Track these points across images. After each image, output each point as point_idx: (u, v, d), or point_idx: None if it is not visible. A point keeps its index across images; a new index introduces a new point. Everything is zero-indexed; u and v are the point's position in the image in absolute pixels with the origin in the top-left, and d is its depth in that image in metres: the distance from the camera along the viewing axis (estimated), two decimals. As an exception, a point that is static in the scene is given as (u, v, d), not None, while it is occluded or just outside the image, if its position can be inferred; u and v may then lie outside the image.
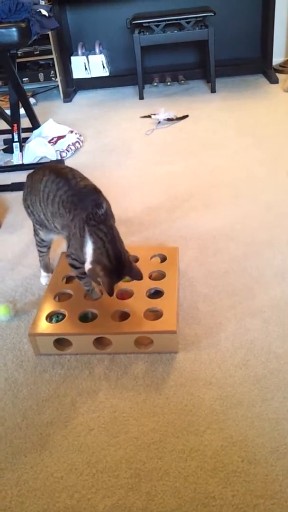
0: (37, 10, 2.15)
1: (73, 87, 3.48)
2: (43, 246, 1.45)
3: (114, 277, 1.17)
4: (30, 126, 2.61)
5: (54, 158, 2.41)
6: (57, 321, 1.28)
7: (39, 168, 1.32)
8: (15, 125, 2.36)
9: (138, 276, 1.20)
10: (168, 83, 3.41)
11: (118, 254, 1.15)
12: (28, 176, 1.35)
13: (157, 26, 3.07)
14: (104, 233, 1.14)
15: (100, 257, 1.14)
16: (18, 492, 0.96)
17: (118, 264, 1.15)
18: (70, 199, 1.19)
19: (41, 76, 3.49)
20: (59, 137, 2.55)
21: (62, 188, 1.21)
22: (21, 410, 1.13)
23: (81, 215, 1.16)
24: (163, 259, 1.48)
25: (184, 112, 2.88)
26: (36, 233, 1.41)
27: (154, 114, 2.83)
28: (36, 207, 1.30)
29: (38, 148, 2.42)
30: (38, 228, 1.38)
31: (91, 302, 1.32)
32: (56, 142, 2.52)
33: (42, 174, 1.26)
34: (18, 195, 2.16)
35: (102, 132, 2.75)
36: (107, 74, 3.43)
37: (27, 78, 3.47)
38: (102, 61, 3.37)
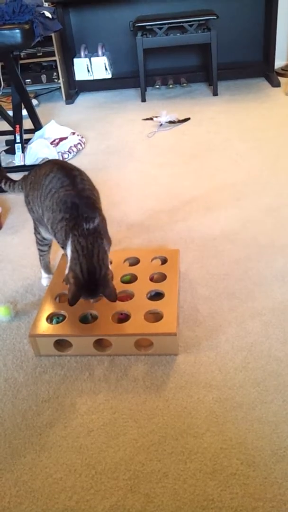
0: (41, 12, 2.16)
1: (75, 89, 3.49)
2: (43, 245, 1.45)
3: (83, 291, 1.15)
4: (32, 127, 2.62)
5: (56, 160, 2.41)
6: (58, 322, 1.28)
7: (45, 163, 1.30)
8: (17, 126, 2.37)
9: (111, 297, 1.16)
10: (170, 86, 3.42)
11: (92, 270, 1.13)
12: (31, 172, 1.34)
13: (160, 29, 3.08)
14: (81, 246, 1.13)
15: (74, 267, 1.14)
16: (16, 493, 0.96)
17: (89, 280, 1.13)
18: (69, 200, 1.18)
19: (43, 77, 3.50)
20: (61, 139, 2.56)
21: (66, 187, 1.20)
22: (21, 410, 1.13)
23: (68, 221, 1.16)
24: (164, 261, 1.49)
25: (186, 114, 2.89)
26: (36, 231, 1.41)
27: (156, 117, 2.83)
28: (36, 202, 1.29)
29: (40, 150, 2.42)
30: (38, 225, 1.38)
31: (91, 303, 1.32)
32: (58, 143, 2.52)
33: (49, 169, 1.25)
34: (20, 196, 2.17)
35: (104, 134, 2.76)
36: (109, 76, 3.44)
37: (29, 80, 3.48)
38: (105, 63, 3.38)
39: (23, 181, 1.39)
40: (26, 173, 2.35)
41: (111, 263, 1.31)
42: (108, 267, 1.17)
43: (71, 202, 1.17)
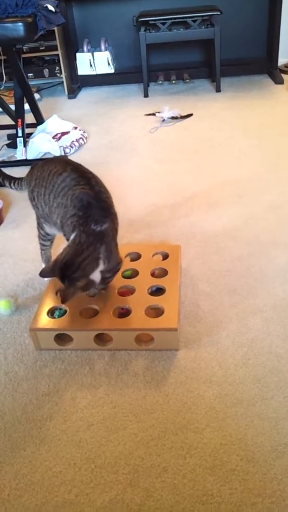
0: (44, 6, 2.14)
1: (78, 84, 3.48)
2: (46, 240, 1.45)
3: (53, 273, 1.16)
4: (34, 121, 2.61)
5: (57, 154, 2.41)
6: (60, 315, 1.28)
7: (54, 161, 1.27)
8: (19, 120, 2.36)
9: (63, 297, 1.16)
10: (173, 82, 3.41)
11: (69, 264, 1.13)
12: (36, 167, 1.32)
13: (163, 24, 3.07)
14: (79, 241, 1.13)
15: (63, 251, 1.16)
16: (16, 486, 0.97)
17: (62, 268, 1.13)
18: (85, 198, 1.15)
19: (46, 72, 3.49)
20: (63, 133, 2.55)
21: (82, 186, 1.18)
22: (21, 404, 1.13)
23: (80, 217, 1.15)
24: (165, 256, 1.48)
25: (189, 110, 2.88)
26: (40, 227, 1.40)
27: (159, 112, 2.82)
28: (43, 199, 1.27)
29: (42, 144, 2.42)
30: (43, 221, 1.37)
31: (91, 298, 1.32)
32: (60, 138, 2.52)
33: (62, 169, 1.22)
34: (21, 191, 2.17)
35: (106, 129, 2.75)
36: (112, 71, 3.43)
37: (32, 74, 3.47)
38: (108, 58, 3.36)
39: (27, 177, 1.38)
40: (28, 167, 2.36)
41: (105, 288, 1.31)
42: (84, 275, 1.14)
43: (87, 201, 1.15)
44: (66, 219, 1.20)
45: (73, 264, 1.12)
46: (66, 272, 1.13)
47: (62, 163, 1.25)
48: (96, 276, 1.17)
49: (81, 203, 1.16)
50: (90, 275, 1.15)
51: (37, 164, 1.33)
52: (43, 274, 1.19)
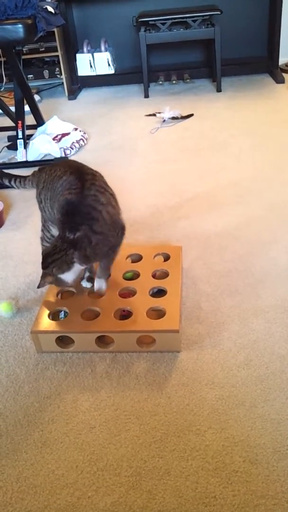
0: (43, 7, 2.14)
1: (78, 85, 3.48)
2: (50, 243, 1.45)
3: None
4: (35, 123, 2.60)
5: (58, 156, 2.41)
6: (65, 317, 1.28)
7: (59, 164, 1.30)
8: (20, 122, 2.36)
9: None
10: (174, 82, 3.40)
11: (43, 257, 1.23)
12: (45, 169, 1.33)
13: (163, 24, 3.06)
14: (53, 245, 1.20)
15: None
16: (18, 489, 0.96)
17: (43, 261, 1.22)
18: (65, 205, 1.18)
19: (46, 73, 3.49)
20: (64, 135, 2.55)
21: (70, 191, 1.19)
22: (23, 407, 1.13)
23: (60, 223, 1.20)
24: (167, 258, 1.48)
25: (190, 111, 2.87)
26: (46, 229, 1.40)
27: (159, 113, 2.82)
28: (49, 203, 1.29)
29: (42, 145, 2.42)
30: (50, 224, 1.37)
31: (93, 300, 1.32)
32: (60, 139, 2.52)
33: (63, 172, 1.24)
34: (22, 192, 2.17)
35: (107, 130, 2.75)
36: (112, 72, 3.42)
37: (32, 75, 3.46)
38: (108, 59, 3.36)
39: (34, 177, 1.38)
40: (28, 169, 2.36)
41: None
42: (51, 274, 1.21)
43: (66, 208, 1.18)
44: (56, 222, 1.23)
45: (45, 261, 1.22)
46: (43, 262, 1.23)
47: (65, 167, 1.26)
48: (68, 277, 1.22)
49: (62, 209, 1.19)
50: (59, 275, 1.22)
51: (46, 167, 1.34)
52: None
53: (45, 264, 1.21)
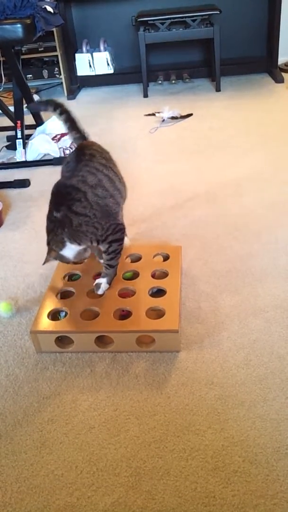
0: (42, 7, 2.14)
1: (77, 84, 3.48)
2: None
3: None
4: (34, 123, 2.60)
5: (57, 155, 2.41)
6: (65, 316, 1.28)
7: (76, 148, 1.36)
8: (19, 122, 2.35)
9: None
10: (173, 81, 3.40)
11: (46, 232, 1.25)
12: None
13: (162, 23, 3.06)
14: (49, 217, 1.24)
15: None
16: (18, 489, 0.96)
17: (46, 237, 1.26)
18: (55, 186, 1.24)
19: (45, 73, 3.48)
20: (63, 134, 2.55)
21: (64, 173, 1.27)
22: (22, 407, 1.13)
23: (50, 204, 1.24)
24: (166, 257, 1.48)
25: (189, 110, 2.87)
26: None
27: (159, 112, 2.82)
28: None
29: (41, 145, 2.42)
30: None
31: (92, 300, 1.32)
32: (59, 139, 2.51)
33: (69, 156, 1.32)
34: (21, 192, 2.17)
35: (106, 130, 2.74)
36: (111, 71, 3.42)
37: (31, 75, 3.46)
38: (107, 59, 3.36)
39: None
40: (27, 169, 2.36)
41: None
42: (53, 250, 1.25)
43: (55, 190, 1.24)
44: None
45: (47, 237, 1.26)
46: (47, 241, 1.26)
47: (76, 150, 1.31)
48: (68, 254, 1.26)
49: (52, 191, 1.24)
50: (60, 251, 1.25)
51: None
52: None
53: (47, 240, 1.25)
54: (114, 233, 1.26)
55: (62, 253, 1.26)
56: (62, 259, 1.28)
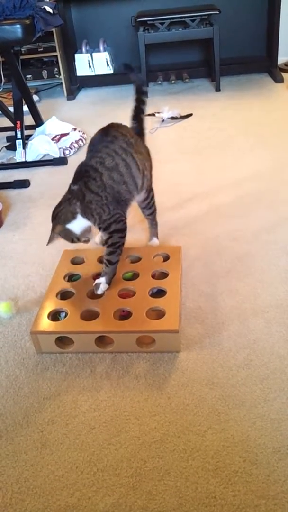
0: (42, 7, 2.14)
1: (76, 85, 3.48)
2: None
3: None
4: (33, 123, 2.60)
5: (57, 156, 2.41)
6: (66, 317, 1.28)
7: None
8: (18, 122, 2.35)
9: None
10: (173, 82, 3.40)
11: (53, 211, 1.31)
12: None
13: (162, 24, 3.06)
14: (63, 197, 1.32)
15: None
16: (18, 490, 0.96)
17: (52, 215, 1.31)
18: (81, 163, 1.34)
19: (44, 73, 3.49)
20: (62, 135, 2.55)
21: (88, 153, 1.36)
22: (22, 407, 1.13)
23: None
24: (166, 258, 1.48)
25: (189, 110, 2.87)
26: None
27: (158, 113, 2.82)
28: None
29: (41, 146, 2.42)
30: None
31: (92, 300, 1.32)
32: (59, 139, 2.51)
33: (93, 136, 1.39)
34: (21, 192, 2.17)
35: (106, 130, 2.74)
36: (111, 71, 3.42)
37: (30, 75, 3.47)
38: (106, 59, 3.36)
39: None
40: (27, 169, 2.36)
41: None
42: (59, 223, 1.29)
43: (77, 169, 1.33)
44: None
45: (54, 211, 1.30)
46: (52, 217, 1.31)
47: (102, 130, 1.36)
48: (75, 228, 1.29)
49: (75, 170, 1.33)
50: (66, 225, 1.29)
51: None
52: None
53: (53, 216, 1.30)
54: (117, 222, 1.31)
55: (70, 226, 1.28)
56: (67, 235, 1.30)
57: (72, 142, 2.49)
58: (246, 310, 1.34)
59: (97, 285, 1.33)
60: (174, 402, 1.10)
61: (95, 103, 3.23)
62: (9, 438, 1.07)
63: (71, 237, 1.31)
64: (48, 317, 1.28)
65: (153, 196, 1.55)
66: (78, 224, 1.29)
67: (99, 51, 3.36)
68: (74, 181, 1.30)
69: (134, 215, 1.87)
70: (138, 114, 1.50)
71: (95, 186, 1.27)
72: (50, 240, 1.31)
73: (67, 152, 2.44)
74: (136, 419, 1.07)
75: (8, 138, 2.69)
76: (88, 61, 3.36)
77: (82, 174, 1.29)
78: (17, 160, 2.40)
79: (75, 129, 2.61)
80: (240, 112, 2.82)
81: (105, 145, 1.31)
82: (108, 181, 1.28)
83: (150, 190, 1.52)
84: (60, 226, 1.29)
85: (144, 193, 1.49)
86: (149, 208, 1.56)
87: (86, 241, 1.37)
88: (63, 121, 2.68)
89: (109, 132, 1.34)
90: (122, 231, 1.32)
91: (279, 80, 3.23)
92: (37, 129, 2.58)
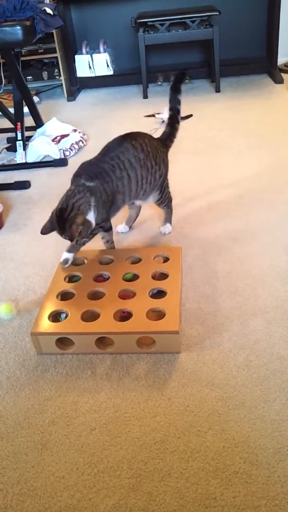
0: (42, 9, 2.14)
1: (77, 86, 3.48)
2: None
3: (54, 223, 1.35)
4: (34, 124, 2.61)
5: (57, 157, 2.41)
6: (66, 318, 1.28)
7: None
8: (19, 123, 2.36)
9: (69, 236, 1.33)
10: (173, 82, 3.40)
11: (60, 209, 1.33)
12: None
13: (162, 25, 3.07)
14: (69, 190, 1.38)
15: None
16: (19, 491, 0.96)
17: (58, 216, 1.33)
18: (84, 163, 1.45)
19: (45, 74, 3.49)
20: (63, 136, 2.55)
21: (104, 149, 1.47)
22: (23, 409, 1.13)
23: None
24: (166, 259, 1.48)
25: (189, 111, 2.87)
26: None
27: (158, 113, 2.82)
28: None
29: (41, 147, 2.42)
30: None
31: (93, 301, 1.32)
32: (59, 140, 2.52)
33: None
34: (21, 193, 2.17)
35: (106, 131, 2.75)
36: (111, 73, 3.43)
37: (31, 77, 3.47)
38: (106, 60, 3.37)
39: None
40: (27, 171, 2.36)
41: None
42: (82, 213, 1.32)
43: (82, 165, 1.43)
44: None
45: (67, 206, 1.33)
46: (63, 215, 1.32)
47: (119, 138, 1.48)
48: (91, 219, 1.36)
49: (83, 165, 1.44)
50: (86, 215, 1.34)
51: None
52: (43, 231, 1.36)
53: (68, 210, 1.32)
54: (105, 221, 1.46)
55: (89, 218, 1.36)
56: (87, 226, 1.35)
57: (72, 143, 2.49)
58: (246, 311, 1.34)
59: (66, 260, 1.44)
60: (174, 403, 1.10)
61: (95, 104, 3.24)
62: (10, 439, 1.07)
63: (87, 230, 1.37)
64: (48, 318, 1.28)
65: (166, 194, 1.65)
66: (92, 217, 1.37)
67: (99, 52, 3.36)
68: (88, 178, 1.37)
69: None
70: (174, 124, 1.71)
71: (108, 189, 1.39)
72: (74, 232, 1.30)
73: (67, 153, 2.45)
74: (136, 420, 1.07)
75: (9, 139, 2.69)
76: (88, 62, 3.37)
77: (98, 173, 1.38)
78: (18, 161, 2.40)
79: (75, 130, 2.62)
80: (240, 112, 2.82)
81: (116, 155, 1.42)
82: (114, 188, 1.41)
83: (162, 191, 1.60)
84: (82, 216, 1.32)
85: (158, 194, 1.60)
86: (163, 203, 1.66)
87: (87, 241, 1.43)
88: (63, 122, 2.68)
89: (123, 141, 1.45)
90: (91, 236, 1.45)
91: (279, 81, 3.23)
92: (37, 130, 2.58)
